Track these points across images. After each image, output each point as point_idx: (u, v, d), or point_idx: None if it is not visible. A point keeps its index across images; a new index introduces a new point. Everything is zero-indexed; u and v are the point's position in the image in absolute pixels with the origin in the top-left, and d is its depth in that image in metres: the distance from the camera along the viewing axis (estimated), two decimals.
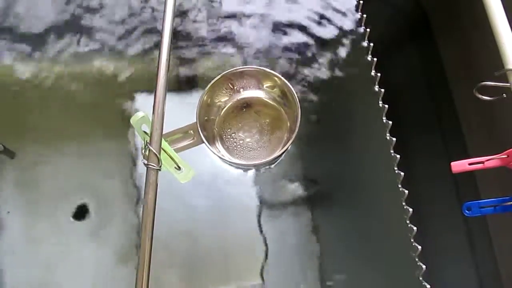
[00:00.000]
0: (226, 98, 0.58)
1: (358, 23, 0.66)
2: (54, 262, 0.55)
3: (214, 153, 0.53)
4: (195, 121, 0.53)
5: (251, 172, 0.60)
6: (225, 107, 0.58)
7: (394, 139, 0.58)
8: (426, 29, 0.76)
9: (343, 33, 0.66)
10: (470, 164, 0.46)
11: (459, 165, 0.46)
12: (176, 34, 0.65)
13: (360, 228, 0.58)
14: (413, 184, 0.58)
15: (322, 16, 0.67)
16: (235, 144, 0.57)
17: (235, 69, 0.55)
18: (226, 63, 0.64)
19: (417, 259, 0.54)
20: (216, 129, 0.58)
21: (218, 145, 0.57)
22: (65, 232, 0.56)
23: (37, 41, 0.64)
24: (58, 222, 0.57)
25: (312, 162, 0.60)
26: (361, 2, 0.66)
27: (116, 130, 0.61)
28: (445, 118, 0.71)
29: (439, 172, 0.64)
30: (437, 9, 0.76)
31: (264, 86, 0.58)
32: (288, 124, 0.57)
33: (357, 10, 0.67)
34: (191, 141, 0.52)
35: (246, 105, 0.59)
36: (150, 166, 0.40)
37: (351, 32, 0.66)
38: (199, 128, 0.52)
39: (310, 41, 0.65)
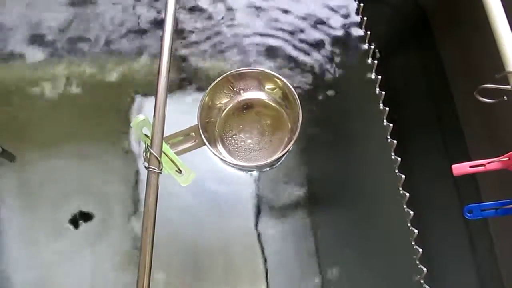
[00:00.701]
0: (227, 100, 0.58)
1: (358, 25, 0.66)
2: (54, 266, 0.55)
3: (216, 155, 0.53)
4: (197, 123, 0.53)
5: (252, 174, 0.60)
6: (226, 108, 0.58)
7: (395, 141, 0.58)
8: (427, 30, 0.76)
9: (343, 36, 0.66)
10: (471, 166, 0.46)
11: (460, 168, 0.46)
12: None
13: (361, 231, 0.58)
14: (414, 187, 0.58)
15: (321, 18, 0.67)
16: (236, 145, 0.57)
17: (236, 71, 0.55)
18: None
19: (418, 262, 0.54)
20: (217, 131, 0.58)
21: (219, 147, 0.57)
22: (65, 236, 0.56)
23: (37, 42, 0.64)
24: (58, 225, 0.57)
25: (313, 165, 0.60)
26: (362, 4, 0.66)
27: (117, 133, 0.61)
28: (446, 120, 0.71)
29: (440, 175, 0.64)
30: (437, 10, 0.76)
31: (265, 87, 0.58)
32: (289, 125, 0.57)
33: (357, 13, 0.67)
34: (193, 144, 0.52)
35: (247, 106, 0.59)
36: (151, 169, 0.40)
37: (351, 35, 0.66)
38: (200, 130, 0.52)
39: (310, 43, 0.65)
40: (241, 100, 0.59)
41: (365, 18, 0.66)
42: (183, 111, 0.61)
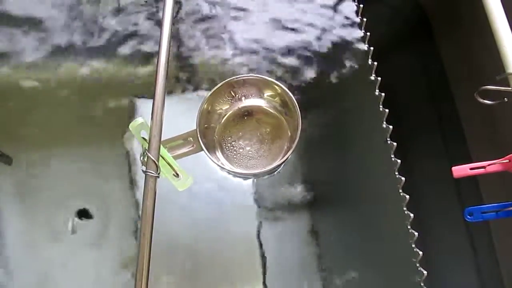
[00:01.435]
0: (227, 106, 0.58)
1: (358, 27, 0.66)
2: (53, 268, 0.55)
3: (214, 162, 0.53)
4: (195, 128, 0.52)
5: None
6: (226, 114, 0.58)
7: (395, 143, 0.58)
8: (427, 31, 0.76)
9: (342, 37, 0.66)
10: (471, 169, 0.45)
11: (460, 170, 0.45)
12: None
13: (361, 233, 0.58)
14: (414, 189, 0.57)
15: (319, 19, 0.66)
16: (235, 152, 0.57)
17: (236, 77, 0.55)
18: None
19: (418, 265, 0.54)
20: (216, 137, 0.57)
21: (218, 153, 0.57)
22: (64, 239, 0.56)
23: (35, 44, 0.64)
24: (57, 228, 0.56)
25: (312, 167, 0.60)
26: (361, 6, 0.66)
27: (115, 136, 0.60)
28: (446, 121, 0.70)
29: (441, 177, 0.64)
30: (437, 11, 0.76)
31: (265, 94, 0.58)
32: (289, 133, 0.57)
33: (357, 14, 0.66)
34: (191, 148, 0.52)
35: (248, 113, 0.59)
36: (148, 173, 0.40)
37: (351, 36, 0.66)
38: (198, 136, 0.52)
39: (309, 45, 0.65)
40: (242, 107, 0.58)
41: (364, 19, 0.65)
42: (183, 114, 0.61)
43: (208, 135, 0.56)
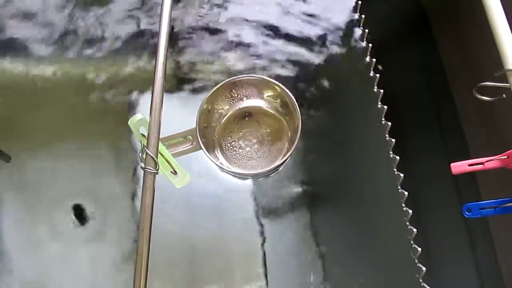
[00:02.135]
0: (228, 106, 0.58)
1: (356, 23, 0.66)
2: (52, 266, 0.55)
3: (212, 161, 0.53)
4: (195, 126, 0.52)
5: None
6: (226, 114, 0.58)
7: (394, 140, 0.58)
8: (426, 28, 0.76)
9: (341, 34, 0.66)
10: (470, 165, 0.45)
11: (459, 166, 0.46)
12: None
13: (360, 230, 0.58)
14: (413, 185, 0.57)
15: (318, 17, 0.66)
16: (234, 152, 0.57)
17: (236, 78, 0.56)
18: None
19: (417, 261, 0.54)
20: (216, 136, 0.57)
21: (217, 152, 0.57)
22: (63, 236, 0.56)
23: (34, 43, 0.64)
24: (56, 225, 0.56)
25: (312, 164, 0.60)
26: (359, 2, 0.66)
27: (114, 132, 0.60)
28: (445, 118, 0.70)
29: (440, 173, 0.64)
30: (436, 8, 0.75)
31: (265, 95, 0.58)
32: (289, 134, 0.57)
33: (355, 11, 0.66)
34: (190, 147, 0.52)
35: (249, 114, 0.59)
36: (147, 169, 0.40)
37: (349, 33, 0.66)
38: (198, 135, 0.52)
39: (308, 43, 0.65)
40: (242, 107, 0.58)
41: (363, 16, 0.65)
42: (184, 111, 0.61)
43: (208, 135, 0.56)
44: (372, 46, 0.64)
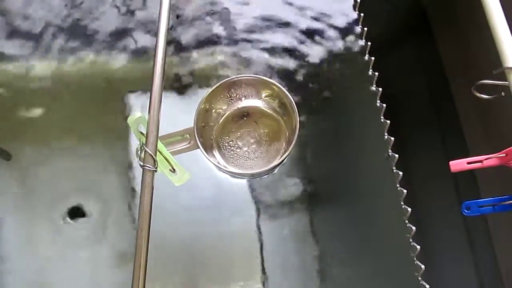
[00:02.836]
0: (226, 106, 0.58)
1: (355, 22, 0.66)
2: (51, 264, 0.55)
3: (209, 160, 0.53)
4: (193, 125, 0.52)
5: None
6: (224, 114, 0.58)
7: (393, 138, 0.58)
8: (425, 27, 0.76)
9: (340, 32, 0.66)
10: (468, 163, 0.45)
11: (457, 164, 0.46)
12: None
13: (359, 228, 0.58)
14: (412, 184, 0.57)
15: (318, 16, 0.66)
16: (232, 152, 0.57)
17: (234, 77, 0.55)
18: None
19: (415, 259, 0.54)
20: (214, 136, 0.57)
21: (215, 152, 0.57)
22: (62, 235, 0.56)
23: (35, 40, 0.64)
24: (55, 224, 0.56)
25: (310, 163, 0.60)
26: (358, 0, 0.66)
27: (114, 130, 0.60)
28: (444, 116, 0.71)
29: (439, 171, 0.64)
30: (436, 7, 0.76)
31: (263, 95, 0.58)
32: (287, 135, 0.57)
33: (354, 9, 0.66)
34: (187, 145, 0.52)
35: (247, 114, 0.59)
36: (146, 167, 0.40)
37: (348, 31, 0.66)
38: (195, 134, 0.52)
39: (306, 41, 0.65)
40: (240, 107, 0.58)
41: (362, 14, 0.65)
42: (182, 109, 0.61)
43: (206, 134, 0.56)
44: (371, 44, 0.64)
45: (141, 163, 0.40)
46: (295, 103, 0.54)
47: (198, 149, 0.52)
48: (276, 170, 0.59)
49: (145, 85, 0.62)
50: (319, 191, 0.59)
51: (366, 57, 0.63)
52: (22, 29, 0.65)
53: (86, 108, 0.62)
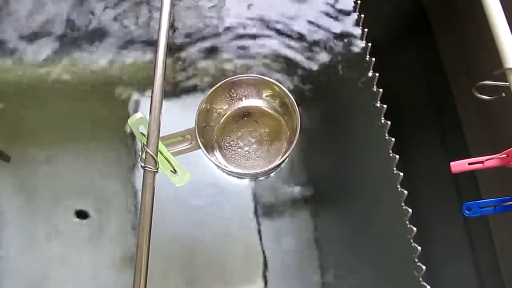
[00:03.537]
0: (227, 106, 0.58)
1: (356, 23, 0.66)
2: (52, 266, 0.55)
3: (211, 160, 0.53)
4: (194, 126, 0.52)
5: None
6: (225, 114, 0.58)
7: (393, 139, 0.58)
8: (426, 28, 0.76)
9: (340, 34, 0.66)
10: (469, 164, 0.45)
11: (458, 165, 0.45)
12: None
13: (360, 229, 0.58)
14: (413, 185, 0.57)
15: (317, 17, 0.66)
16: (233, 152, 0.57)
17: (235, 77, 0.56)
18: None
19: (416, 260, 0.54)
20: (215, 136, 0.57)
21: (216, 152, 0.57)
22: (63, 236, 0.56)
23: (34, 42, 0.64)
24: (56, 225, 0.56)
25: (311, 164, 0.60)
26: (359, 2, 0.66)
27: (114, 131, 0.60)
28: (445, 117, 0.71)
29: (439, 172, 0.64)
30: (436, 8, 0.76)
31: (264, 95, 0.58)
32: (288, 134, 0.57)
33: (354, 10, 0.66)
34: (189, 146, 0.52)
35: (248, 114, 0.59)
36: (147, 168, 0.40)
37: (349, 32, 0.66)
38: (196, 134, 0.52)
39: (307, 41, 0.65)
40: (241, 107, 0.58)
41: (362, 15, 0.65)
42: (183, 111, 0.61)
43: (207, 134, 0.56)
44: (372, 45, 0.64)
45: (142, 164, 0.40)
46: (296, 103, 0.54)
47: (199, 150, 0.52)
48: (277, 170, 0.59)
49: (146, 86, 0.62)
50: (320, 191, 0.58)
51: (367, 58, 0.63)
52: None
53: (87, 109, 0.62)
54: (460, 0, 0.69)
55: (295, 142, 0.53)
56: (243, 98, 0.58)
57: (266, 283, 0.55)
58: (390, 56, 0.73)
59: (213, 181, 0.59)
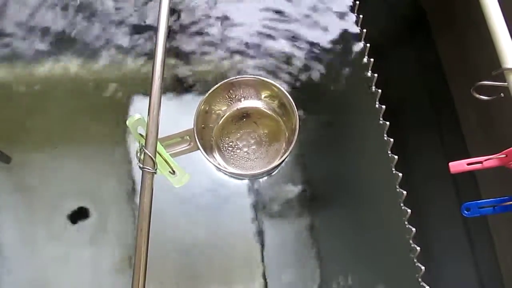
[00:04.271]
0: (225, 107, 0.58)
1: (354, 24, 0.66)
2: (51, 267, 0.55)
3: (209, 161, 0.53)
4: (192, 127, 0.52)
5: None
6: (224, 115, 0.58)
7: (392, 139, 0.58)
8: (424, 28, 0.76)
9: (338, 34, 0.66)
10: (468, 164, 0.45)
11: (457, 166, 0.45)
12: None
13: (359, 230, 0.58)
14: (412, 185, 0.57)
15: (316, 17, 0.66)
16: (232, 153, 0.57)
17: (233, 78, 0.56)
18: None
19: (416, 260, 0.54)
20: (214, 137, 0.57)
21: (215, 153, 0.57)
22: (62, 237, 0.56)
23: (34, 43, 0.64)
24: (55, 227, 0.56)
25: (310, 164, 0.60)
26: (357, 2, 0.66)
27: (113, 133, 0.60)
28: (444, 118, 0.71)
29: (438, 172, 0.64)
30: (435, 8, 0.76)
31: (263, 96, 0.58)
32: (287, 135, 0.57)
33: (352, 11, 0.66)
34: (187, 147, 0.52)
35: (246, 115, 0.59)
36: (145, 169, 0.40)
37: (347, 33, 0.66)
38: (195, 135, 0.52)
39: (305, 43, 0.65)
40: (240, 108, 0.58)
41: (361, 16, 0.65)
42: (182, 111, 0.61)
43: (206, 135, 0.56)
44: (370, 46, 0.64)
45: (141, 165, 0.40)
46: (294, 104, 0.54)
47: (198, 151, 0.52)
48: (276, 171, 0.59)
49: (144, 87, 0.62)
50: (318, 192, 0.58)
51: (365, 59, 0.63)
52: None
53: (86, 111, 0.62)
54: (458, 0, 0.69)
55: (294, 142, 0.53)
56: (242, 99, 0.59)
57: (266, 283, 0.55)
58: (388, 57, 0.73)
59: (212, 182, 0.59)
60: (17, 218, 0.57)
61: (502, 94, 0.44)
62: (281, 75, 0.63)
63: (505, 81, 0.43)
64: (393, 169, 0.57)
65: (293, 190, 0.58)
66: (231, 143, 0.58)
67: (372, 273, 0.55)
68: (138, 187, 0.57)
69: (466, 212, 0.46)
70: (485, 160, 0.45)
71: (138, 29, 0.66)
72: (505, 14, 0.44)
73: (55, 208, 0.57)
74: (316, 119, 0.62)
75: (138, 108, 0.61)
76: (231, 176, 0.58)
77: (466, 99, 0.67)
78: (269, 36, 0.65)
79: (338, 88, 0.63)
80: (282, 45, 0.65)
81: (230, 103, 0.58)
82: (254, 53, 0.64)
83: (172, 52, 0.64)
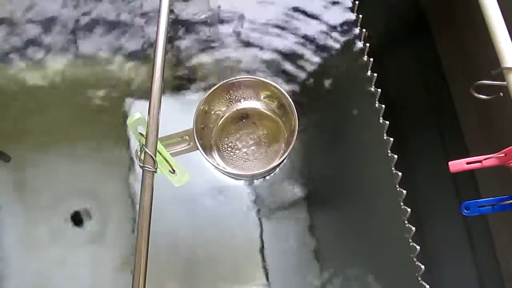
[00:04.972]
0: (225, 108, 0.58)
1: (354, 23, 0.66)
2: (51, 267, 0.55)
3: (208, 161, 0.53)
4: (192, 127, 0.52)
5: None
6: (223, 116, 0.58)
7: (391, 139, 0.58)
8: (424, 28, 0.76)
9: (338, 34, 0.66)
10: (468, 163, 0.45)
11: (457, 165, 0.45)
12: None
13: (359, 229, 0.58)
14: (411, 184, 0.57)
15: (316, 17, 0.66)
16: (231, 153, 0.57)
17: (233, 79, 0.56)
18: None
19: (415, 259, 0.54)
20: (214, 137, 0.57)
21: (214, 153, 0.57)
22: (62, 237, 0.56)
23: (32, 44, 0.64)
24: (55, 227, 0.56)
25: (310, 164, 0.60)
26: (357, 2, 0.66)
27: (114, 132, 0.60)
28: (443, 117, 0.71)
29: (438, 172, 0.64)
30: (434, 8, 0.76)
31: (262, 97, 0.58)
32: (286, 136, 0.57)
33: (352, 11, 0.66)
34: (187, 147, 0.52)
35: (246, 115, 0.59)
36: (146, 168, 0.40)
37: (346, 33, 0.66)
38: (195, 135, 0.52)
39: (305, 42, 0.65)
40: (239, 109, 0.59)
41: (360, 16, 0.65)
42: (182, 110, 0.61)
43: (205, 136, 0.56)
44: (370, 45, 0.64)
45: (141, 164, 0.40)
46: (294, 105, 0.54)
47: (198, 151, 0.52)
48: (275, 171, 0.59)
49: (144, 87, 0.62)
50: (318, 192, 0.59)
51: (365, 58, 0.64)
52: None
53: (86, 110, 0.62)
54: (458, 0, 0.69)
55: (293, 143, 0.53)
56: (242, 100, 0.59)
57: (266, 283, 0.55)
58: (388, 56, 0.73)
59: (212, 182, 0.59)
60: (17, 218, 0.57)
61: (501, 93, 0.44)
62: (280, 74, 0.63)
63: (504, 80, 0.43)
64: (393, 168, 0.57)
65: (293, 189, 0.58)
66: (230, 144, 0.58)
67: (372, 272, 0.55)
68: (138, 187, 0.57)
69: (465, 211, 0.47)
70: (485, 159, 0.45)
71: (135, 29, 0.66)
72: (504, 13, 0.44)
73: (55, 208, 0.57)
74: (316, 119, 0.62)
75: (138, 108, 0.61)
76: (230, 177, 0.58)
77: (466, 98, 0.67)
78: (268, 34, 0.65)
79: (337, 88, 0.63)
80: (282, 45, 0.65)
81: (230, 103, 0.58)
82: (254, 53, 0.64)
83: (172, 52, 0.64)
